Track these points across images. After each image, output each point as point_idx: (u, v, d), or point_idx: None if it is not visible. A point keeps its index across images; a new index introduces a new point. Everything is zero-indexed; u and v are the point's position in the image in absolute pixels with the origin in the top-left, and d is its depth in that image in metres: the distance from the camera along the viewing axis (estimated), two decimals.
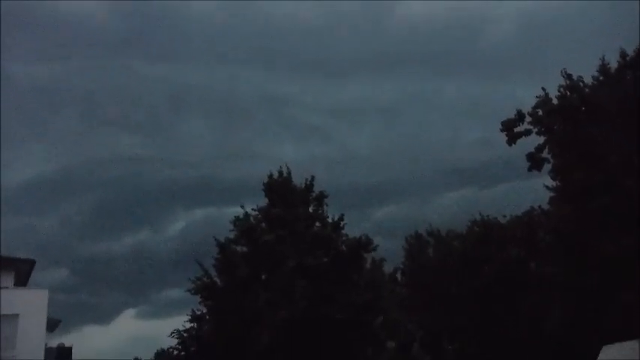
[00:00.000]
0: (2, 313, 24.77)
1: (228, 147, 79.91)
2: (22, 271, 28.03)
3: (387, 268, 30.30)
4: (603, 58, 24.77)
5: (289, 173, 28.65)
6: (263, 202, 28.41)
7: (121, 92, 79.24)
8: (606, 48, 25.06)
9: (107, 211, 69.36)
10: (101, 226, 72.25)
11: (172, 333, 30.75)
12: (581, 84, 24.77)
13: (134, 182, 72.49)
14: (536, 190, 27.84)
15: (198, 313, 30.03)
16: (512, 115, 25.09)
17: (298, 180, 28.63)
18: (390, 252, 31.85)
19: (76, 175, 70.70)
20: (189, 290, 27.40)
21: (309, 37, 79.55)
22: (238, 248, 27.86)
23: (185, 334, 30.70)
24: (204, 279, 27.50)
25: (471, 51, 74.28)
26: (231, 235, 27.72)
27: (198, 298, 27.86)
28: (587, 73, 24.90)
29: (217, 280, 27.77)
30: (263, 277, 27.42)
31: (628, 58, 24.22)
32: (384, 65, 79.62)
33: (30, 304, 25.85)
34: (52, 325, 29.73)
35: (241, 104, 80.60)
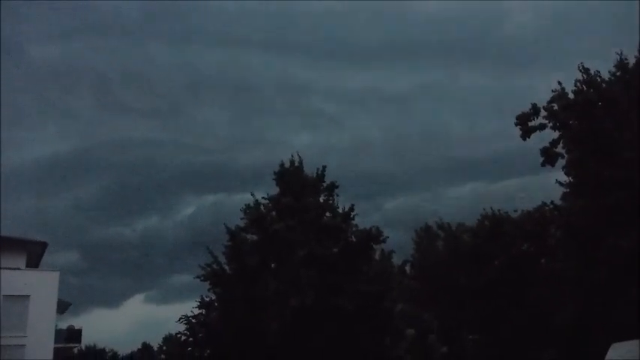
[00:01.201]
0: (13, 293, 25.06)
1: (242, 133, 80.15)
2: (33, 253, 28.30)
3: (397, 260, 30.26)
4: (621, 52, 24.51)
5: (301, 162, 28.62)
6: (274, 189, 28.42)
7: (137, 76, 79.62)
8: (625, 41, 24.74)
9: (119, 195, 69.77)
10: (113, 210, 72.77)
11: (180, 319, 30.93)
12: (598, 79, 24.49)
13: (147, 166, 72.82)
14: (546, 186, 27.63)
15: (207, 299, 30.19)
16: (527, 107, 24.80)
17: (310, 169, 28.61)
18: (399, 244, 31.84)
19: (89, 157, 71.19)
20: (198, 277, 27.53)
21: (326, 24, 79.51)
22: (248, 236, 27.92)
23: (193, 320, 30.85)
24: (214, 266, 27.60)
25: (489, 41, 73.80)
26: (242, 223, 27.80)
27: (207, 285, 27.98)
28: (605, 65, 24.60)
29: (227, 267, 27.86)
30: (272, 265, 27.47)
31: None
32: (401, 54, 79.27)
33: (41, 286, 26.15)
34: (63, 307, 30.04)
35: (257, 90, 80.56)
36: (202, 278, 27.39)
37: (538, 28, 71.00)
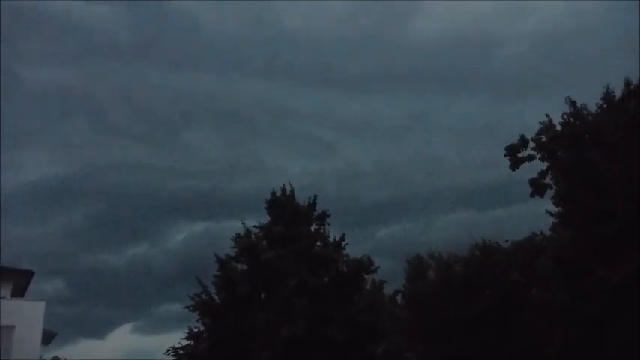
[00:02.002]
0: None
1: (235, 160, 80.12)
2: (20, 282, 27.93)
3: (388, 289, 30.12)
4: (607, 86, 25.14)
5: (292, 191, 28.69)
6: (266, 217, 28.41)
7: (130, 100, 79.72)
8: (613, 73, 25.40)
9: (109, 221, 69.03)
10: (101, 237, 71.82)
11: (168, 350, 30.31)
12: (584, 111, 24.99)
13: (138, 192, 72.30)
14: (538, 215, 27.88)
15: (196, 330, 29.71)
16: (519, 136, 25.25)
17: (302, 196, 28.67)
18: (391, 272, 31.76)
19: (79, 182, 70.56)
20: (187, 307, 27.22)
21: (320, 51, 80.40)
22: (239, 265, 27.75)
23: (181, 352, 30.30)
24: (203, 296, 27.31)
25: (481, 71, 74.97)
26: (232, 252, 27.66)
27: (196, 315, 27.63)
28: (595, 95, 25.19)
29: (216, 297, 27.58)
30: (263, 295, 27.27)
31: (632, 87, 24.47)
32: (394, 82, 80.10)
33: (26, 316, 25.71)
34: (48, 338, 29.52)
35: (250, 117, 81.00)
36: (191, 308, 27.07)
37: (530, 59, 72.51)
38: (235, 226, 28.86)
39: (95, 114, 79.90)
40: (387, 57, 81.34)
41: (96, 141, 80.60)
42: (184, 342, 29.90)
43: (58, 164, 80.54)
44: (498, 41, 76.67)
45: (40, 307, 26.57)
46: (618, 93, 25.15)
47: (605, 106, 24.96)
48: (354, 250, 28.34)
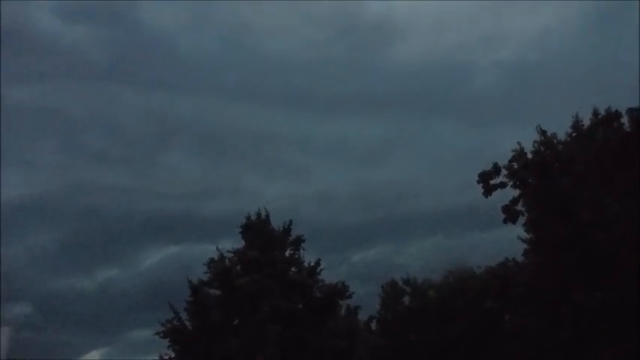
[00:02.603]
0: None
1: (210, 182, 79.29)
2: None
3: (363, 315, 30.06)
4: (577, 115, 25.76)
5: (267, 215, 28.68)
6: (240, 240, 28.32)
7: (103, 120, 78.83)
8: (587, 100, 26.15)
9: (79, 244, 67.35)
10: (71, 260, 69.99)
11: None
12: (554, 140, 25.57)
13: (109, 214, 70.82)
14: (511, 240, 28.13)
15: (166, 358, 29.16)
16: (492, 163, 25.66)
17: (277, 219, 28.69)
18: (366, 297, 31.65)
19: (49, 203, 68.85)
20: (157, 333, 26.79)
21: (298, 74, 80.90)
22: (211, 291, 27.46)
23: None
24: (175, 322, 26.91)
25: (457, 96, 76.18)
26: (205, 277, 27.39)
27: (167, 342, 27.15)
28: (568, 122, 25.70)
29: (188, 323, 27.17)
30: (236, 321, 26.97)
31: (600, 116, 25.16)
32: (371, 106, 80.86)
33: None
34: None
35: (226, 139, 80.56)
36: (162, 335, 26.62)
37: (506, 86, 74.02)
38: (209, 250, 28.67)
39: (68, 134, 78.69)
40: (364, 82, 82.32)
41: (68, 161, 79.22)
42: None
43: (28, 185, 78.88)
44: (474, 68, 78.38)
45: (6, 333, 25.90)
46: (588, 122, 25.84)
47: (574, 134, 25.57)
48: (329, 274, 28.44)
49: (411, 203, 68.01)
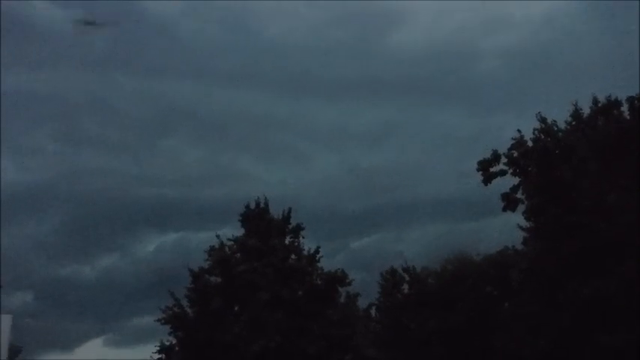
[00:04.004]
0: None
1: (209, 168, 78.99)
2: None
3: (362, 302, 30.17)
4: (576, 103, 25.78)
5: (267, 204, 28.65)
6: (239, 227, 28.36)
7: (102, 106, 78.08)
8: (592, 87, 26.04)
9: (79, 231, 67.21)
10: (71, 247, 69.88)
11: None
12: (555, 128, 25.56)
13: (107, 200, 70.35)
14: (511, 228, 28.21)
15: (167, 344, 29.28)
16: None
17: (278, 206, 28.69)
18: (366, 284, 31.76)
19: (48, 190, 68.57)
20: (158, 320, 26.87)
21: (299, 59, 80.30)
22: (212, 278, 27.53)
23: None
24: (175, 309, 26.99)
25: (460, 82, 75.34)
26: (205, 265, 27.44)
27: (168, 328, 27.25)
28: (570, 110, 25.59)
29: (189, 310, 27.26)
30: (236, 308, 27.07)
31: (599, 105, 25.16)
32: (372, 91, 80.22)
33: None
34: (14, 353, 28.82)
35: (225, 124, 79.98)
36: (162, 322, 26.71)
37: (509, 72, 73.24)
38: (208, 237, 28.67)
39: (66, 120, 78.05)
40: (366, 67, 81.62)
41: (66, 148, 78.61)
42: (156, 356, 29.52)
43: (26, 171, 78.37)
44: (477, 54, 77.59)
45: (7, 321, 25.99)
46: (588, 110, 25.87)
47: (574, 123, 25.59)
48: (328, 261, 28.46)
49: (411, 190, 67.99)
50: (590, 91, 25.90)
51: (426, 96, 78.32)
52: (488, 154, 26.01)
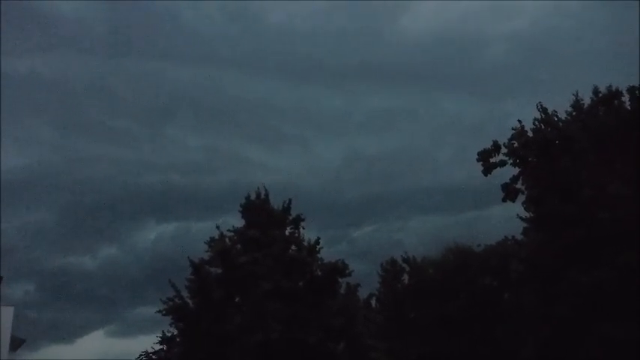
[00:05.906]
0: None
1: (210, 155, 78.68)
2: None
3: (363, 293, 30.24)
4: (577, 93, 25.68)
5: (267, 195, 28.72)
6: (239, 217, 28.44)
7: (104, 92, 77.66)
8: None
9: (77, 220, 66.94)
10: (71, 237, 69.58)
11: (140, 355, 29.95)
12: (555, 118, 25.50)
13: (108, 188, 70.13)
14: (511, 219, 28.19)
15: (169, 334, 29.41)
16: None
17: (279, 195, 28.76)
18: (366, 274, 31.86)
19: (49, 178, 68.29)
20: (159, 311, 26.98)
21: (302, 45, 79.88)
22: (212, 269, 27.60)
23: (154, 357, 29.94)
24: (176, 300, 27.09)
25: (467, 70, 74.95)
26: (206, 255, 27.51)
27: (169, 319, 27.37)
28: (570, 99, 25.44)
29: (190, 301, 27.36)
30: (237, 299, 27.18)
31: (600, 95, 25.07)
32: (376, 78, 79.63)
33: None
34: (16, 344, 28.91)
35: (227, 111, 79.58)
36: (164, 312, 26.82)
37: (517, 59, 72.68)
38: (208, 227, 28.79)
39: (68, 106, 77.53)
40: (369, 53, 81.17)
41: (67, 135, 78.14)
42: (157, 347, 29.67)
43: (26, 158, 78.05)
44: (485, 40, 76.88)
45: (9, 312, 26.04)
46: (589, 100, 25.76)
47: (574, 113, 25.51)
48: (329, 251, 28.56)
49: (413, 179, 67.85)
50: (599, 79, 25.84)
51: (430, 83, 77.73)
52: (488, 145, 25.96)
